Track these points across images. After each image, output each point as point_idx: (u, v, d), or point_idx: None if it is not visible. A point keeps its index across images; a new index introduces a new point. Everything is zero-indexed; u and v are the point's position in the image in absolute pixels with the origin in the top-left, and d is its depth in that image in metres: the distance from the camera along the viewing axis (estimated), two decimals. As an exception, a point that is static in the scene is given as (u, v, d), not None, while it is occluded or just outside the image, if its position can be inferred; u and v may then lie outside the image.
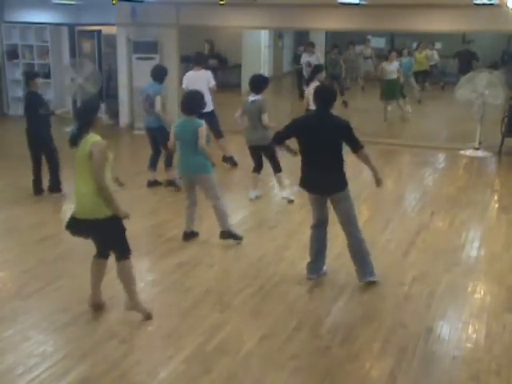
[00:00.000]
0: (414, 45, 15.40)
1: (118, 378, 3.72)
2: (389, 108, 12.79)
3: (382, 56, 14.54)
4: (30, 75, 7.43)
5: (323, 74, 8.27)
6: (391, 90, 12.38)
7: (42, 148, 7.31)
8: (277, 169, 7.25)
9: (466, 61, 14.37)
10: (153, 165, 7.85)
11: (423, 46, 15.49)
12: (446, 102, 13.10)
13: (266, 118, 6.91)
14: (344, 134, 4.81)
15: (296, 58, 14.53)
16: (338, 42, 14.78)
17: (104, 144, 4.09)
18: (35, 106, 7.10)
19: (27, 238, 6.04)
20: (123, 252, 4.31)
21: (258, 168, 7.35)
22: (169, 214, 6.83)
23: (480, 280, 5.22)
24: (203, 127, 5.65)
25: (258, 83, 7.01)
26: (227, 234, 5.87)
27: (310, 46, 13.16)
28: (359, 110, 13.25)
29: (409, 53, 14.44)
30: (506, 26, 9.67)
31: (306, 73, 12.12)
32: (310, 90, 8.05)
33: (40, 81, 7.32)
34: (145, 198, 7.29)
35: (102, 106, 4.24)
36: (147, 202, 7.23)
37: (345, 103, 13.49)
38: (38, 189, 7.45)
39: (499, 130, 9.89)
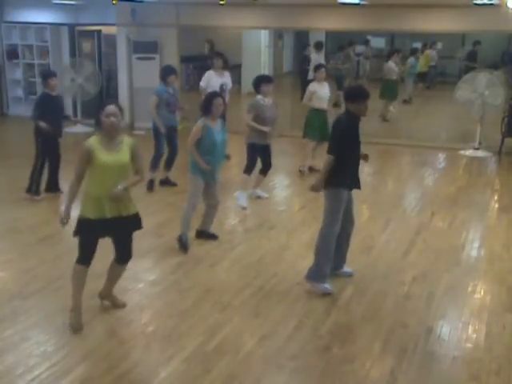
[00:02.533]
0: (414, 45, 15.37)
1: (118, 377, 3.72)
2: (391, 108, 12.90)
3: (381, 56, 14.53)
4: (44, 75, 7.37)
5: (323, 74, 8.28)
6: (392, 90, 12.49)
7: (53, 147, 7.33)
8: (246, 170, 7.25)
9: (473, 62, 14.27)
10: (167, 165, 7.94)
11: (429, 46, 15.54)
12: (446, 102, 13.10)
13: (245, 116, 7.02)
14: None
15: (305, 60, 14.21)
16: (338, 42, 14.77)
17: (82, 147, 4.13)
18: (45, 107, 7.06)
19: (27, 238, 6.04)
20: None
21: (264, 168, 7.34)
22: (169, 214, 6.83)
23: (480, 280, 5.23)
24: (194, 127, 5.68)
25: (253, 83, 7.08)
26: (178, 239, 5.82)
27: (320, 46, 12.86)
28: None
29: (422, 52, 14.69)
30: (506, 26, 9.68)
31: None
32: (311, 88, 8.26)
33: (56, 81, 7.15)
34: (145, 198, 7.28)
35: (109, 108, 4.15)
36: (148, 201, 7.22)
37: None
38: (53, 187, 7.43)
39: (499, 130, 9.90)
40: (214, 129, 5.64)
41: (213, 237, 6.03)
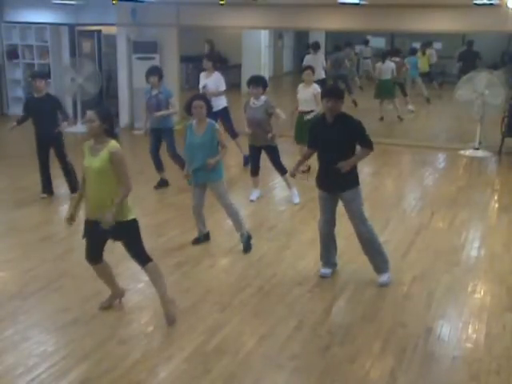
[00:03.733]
0: (413, 44, 15.38)
1: (118, 377, 3.72)
2: (409, 107, 13.04)
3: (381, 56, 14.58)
4: (31, 76, 7.39)
5: (308, 76, 8.07)
6: (385, 90, 12.56)
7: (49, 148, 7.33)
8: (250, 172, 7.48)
9: (470, 61, 14.22)
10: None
11: (428, 45, 15.56)
12: (446, 102, 13.11)
13: None
14: None
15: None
16: (338, 42, 14.78)
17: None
18: (25, 110, 7.15)
19: (28, 238, 6.04)
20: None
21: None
22: (169, 215, 6.83)
23: (480, 280, 5.22)
24: None
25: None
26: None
27: (317, 47, 12.52)
28: (358, 110, 13.27)
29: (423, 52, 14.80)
30: (506, 26, 9.67)
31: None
32: (299, 91, 8.25)
33: (40, 83, 6.97)
34: (145, 198, 7.29)
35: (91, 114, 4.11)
36: (148, 201, 7.23)
37: (354, 102, 13.70)
38: (47, 188, 7.41)
39: (499, 130, 9.89)
40: (194, 130, 5.60)
41: (247, 237, 5.80)
